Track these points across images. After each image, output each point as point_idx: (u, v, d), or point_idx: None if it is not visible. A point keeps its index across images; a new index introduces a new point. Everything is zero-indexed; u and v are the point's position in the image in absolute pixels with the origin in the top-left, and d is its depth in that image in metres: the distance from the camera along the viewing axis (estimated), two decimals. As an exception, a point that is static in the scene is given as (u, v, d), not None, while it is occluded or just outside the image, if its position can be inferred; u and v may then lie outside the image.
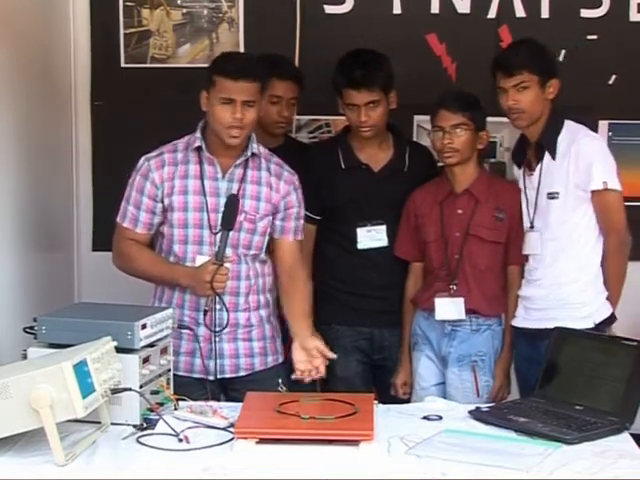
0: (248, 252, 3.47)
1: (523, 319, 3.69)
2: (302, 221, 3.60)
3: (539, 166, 3.64)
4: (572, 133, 3.61)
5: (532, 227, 3.66)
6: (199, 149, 3.45)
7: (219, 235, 3.32)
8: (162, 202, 3.45)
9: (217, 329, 3.40)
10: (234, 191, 3.42)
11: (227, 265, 3.29)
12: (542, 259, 3.64)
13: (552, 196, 3.59)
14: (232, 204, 3.32)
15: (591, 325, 3.52)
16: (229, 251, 3.37)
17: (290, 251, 3.55)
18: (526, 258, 3.71)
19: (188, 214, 3.44)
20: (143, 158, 3.49)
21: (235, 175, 3.46)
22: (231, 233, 3.30)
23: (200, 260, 3.40)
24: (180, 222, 3.44)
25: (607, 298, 3.59)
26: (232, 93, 3.34)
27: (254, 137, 3.51)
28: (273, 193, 3.49)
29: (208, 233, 3.42)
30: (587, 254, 3.59)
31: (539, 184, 3.63)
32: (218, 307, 3.39)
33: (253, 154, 3.47)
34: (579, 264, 3.59)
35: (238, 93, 3.33)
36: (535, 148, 3.66)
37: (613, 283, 3.59)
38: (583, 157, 3.54)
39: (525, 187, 3.70)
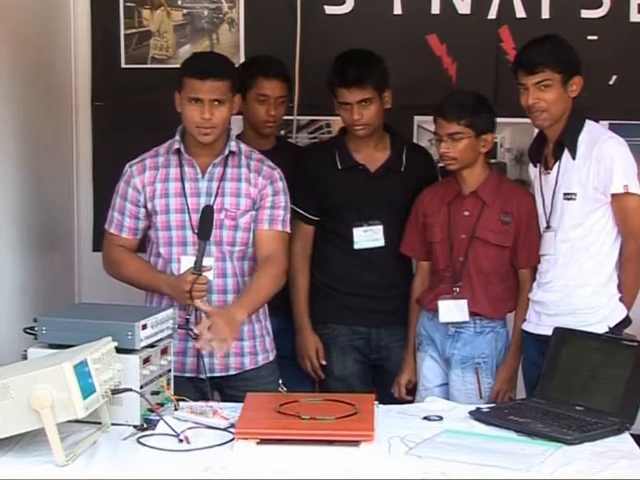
0: (233, 249, 3.49)
1: (536, 325, 3.59)
2: (280, 211, 3.53)
3: (557, 165, 3.53)
4: (594, 133, 3.51)
5: (548, 227, 3.57)
6: (179, 151, 3.49)
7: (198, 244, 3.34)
8: (145, 207, 3.49)
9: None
10: (214, 190, 3.46)
11: (206, 274, 3.31)
12: (554, 261, 3.55)
13: (569, 197, 3.48)
14: (207, 215, 3.36)
15: (605, 329, 3.43)
16: (213, 249, 3.41)
17: (266, 240, 3.51)
18: (539, 260, 3.63)
19: (170, 216, 3.47)
20: (127, 165, 3.54)
21: (215, 174, 3.49)
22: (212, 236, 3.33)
23: (184, 261, 3.42)
24: (163, 224, 3.48)
25: (620, 300, 3.49)
26: (199, 92, 3.38)
27: (232, 135, 3.55)
28: (252, 188, 3.51)
29: (191, 234, 3.45)
30: (601, 258, 3.49)
31: (556, 184, 3.52)
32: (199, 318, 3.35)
33: (232, 152, 3.50)
34: (591, 267, 3.49)
35: (205, 92, 3.37)
36: (554, 146, 3.55)
37: (628, 288, 3.49)
38: (605, 159, 3.42)
39: (541, 186, 3.60)
